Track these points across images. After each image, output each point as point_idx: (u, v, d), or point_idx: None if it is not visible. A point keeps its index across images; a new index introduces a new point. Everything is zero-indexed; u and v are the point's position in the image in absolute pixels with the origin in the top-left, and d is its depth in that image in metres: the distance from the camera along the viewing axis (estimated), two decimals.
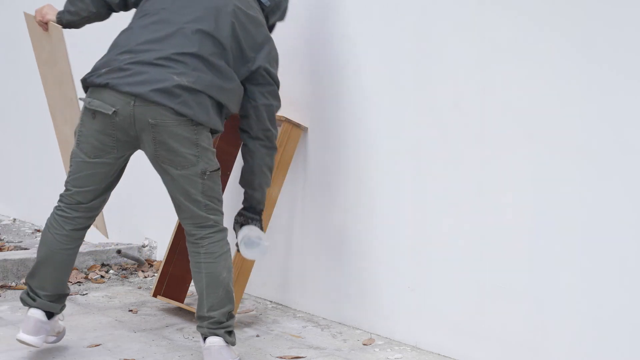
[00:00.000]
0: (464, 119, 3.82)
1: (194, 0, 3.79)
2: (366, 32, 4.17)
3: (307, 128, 4.43)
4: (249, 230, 3.95)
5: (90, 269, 5.18)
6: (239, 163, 4.74)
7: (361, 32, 4.18)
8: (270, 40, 3.92)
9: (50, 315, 3.85)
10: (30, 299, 3.85)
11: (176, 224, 4.60)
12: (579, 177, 3.48)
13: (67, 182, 3.79)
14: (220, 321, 3.72)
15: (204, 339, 3.75)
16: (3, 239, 5.69)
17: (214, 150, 3.74)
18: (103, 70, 3.66)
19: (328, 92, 4.32)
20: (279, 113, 4.45)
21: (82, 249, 5.26)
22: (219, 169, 3.73)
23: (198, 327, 3.77)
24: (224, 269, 3.72)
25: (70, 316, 4.40)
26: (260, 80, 3.87)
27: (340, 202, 4.31)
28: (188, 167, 3.65)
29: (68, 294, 3.92)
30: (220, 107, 3.74)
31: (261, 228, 4.00)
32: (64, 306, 3.92)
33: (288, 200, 4.51)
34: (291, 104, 4.45)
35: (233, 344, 3.76)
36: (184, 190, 3.69)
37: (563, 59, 3.50)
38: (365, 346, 4.07)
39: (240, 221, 3.99)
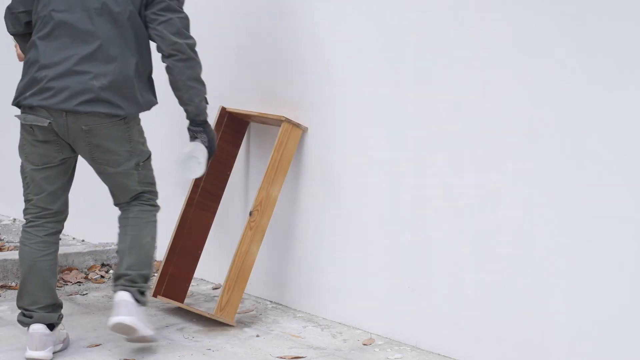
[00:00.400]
0: (464, 119, 3.82)
1: None
2: (366, 32, 4.16)
3: (307, 128, 4.43)
4: (188, 147, 4.01)
5: (90, 269, 5.18)
6: (238, 163, 4.74)
7: (361, 31, 4.18)
8: None
9: (51, 326, 3.88)
10: (27, 318, 3.89)
11: (176, 225, 4.61)
12: (579, 176, 3.48)
13: (26, 195, 3.98)
14: (134, 280, 3.85)
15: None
16: (3, 239, 5.69)
17: (145, 139, 3.94)
18: (28, 94, 3.85)
19: (328, 92, 4.32)
20: (279, 113, 4.45)
21: (82, 248, 5.26)
22: (150, 154, 3.95)
23: (114, 286, 3.89)
24: (148, 235, 3.92)
25: (70, 316, 4.40)
26: (151, 4, 3.87)
27: (340, 202, 4.31)
28: (123, 163, 3.87)
29: (61, 305, 3.96)
30: (147, 76, 3.89)
31: (207, 140, 4.01)
32: (61, 315, 3.95)
33: (288, 200, 4.51)
34: (291, 104, 4.45)
35: (144, 303, 3.86)
36: (121, 183, 3.93)
37: (563, 58, 3.50)
38: (365, 346, 4.07)
39: (190, 136, 4.04)
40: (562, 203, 3.53)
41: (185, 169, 4.03)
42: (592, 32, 3.42)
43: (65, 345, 3.97)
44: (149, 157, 3.95)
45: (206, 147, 4.01)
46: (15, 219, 6.28)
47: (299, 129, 4.40)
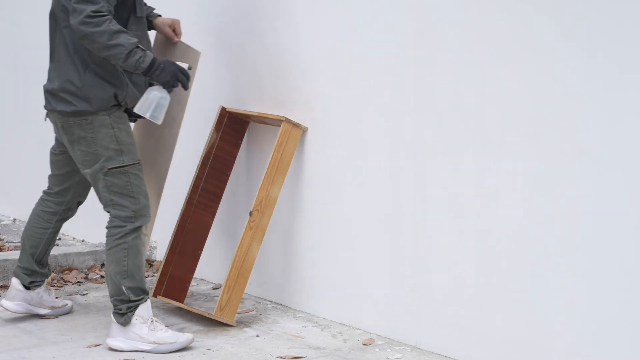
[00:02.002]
0: (464, 119, 3.82)
1: None
2: (366, 32, 4.16)
3: (307, 128, 4.43)
4: (151, 93, 4.00)
5: (90, 269, 5.18)
6: (238, 163, 4.74)
7: (361, 32, 4.18)
8: None
9: (26, 286, 4.32)
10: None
11: (176, 225, 4.60)
12: (579, 176, 3.48)
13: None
14: (114, 304, 4.05)
15: None
16: (3, 239, 5.69)
17: (120, 147, 4.02)
18: None
19: (328, 92, 4.32)
20: (279, 113, 4.45)
21: (82, 248, 5.26)
22: (124, 165, 4.01)
23: None
24: (112, 263, 4.04)
25: (70, 316, 4.41)
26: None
27: (340, 202, 4.30)
28: (90, 165, 4.03)
29: (41, 274, 4.31)
30: (94, 72, 3.98)
31: (160, 83, 3.95)
32: (35, 282, 4.32)
33: (288, 200, 4.51)
34: (291, 104, 4.45)
35: (122, 324, 4.01)
36: (93, 185, 4.09)
37: (563, 58, 3.50)
38: (365, 346, 4.07)
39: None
40: (562, 203, 3.53)
41: (151, 113, 3.99)
42: (592, 31, 3.41)
43: (55, 312, 4.35)
44: (121, 167, 4.01)
45: (166, 89, 3.98)
46: (15, 219, 6.28)
47: (299, 129, 4.40)
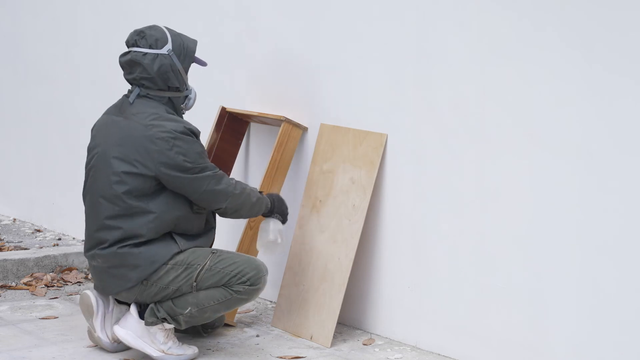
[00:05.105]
0: (464, 119, 3.82)
1: None
2: (367, 32, 4.17)
3: (307, 128, 4.43)
4: (269, 233, 4.11)
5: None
6: (238, 163, 4.74)
7: (362, 32, 4.19)
8: None
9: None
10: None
11: None
12: (578, 177, 3.48)
13: None
14: (156, 305, 3.82)
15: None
16: (3, 239, 5.69)
17: (192, 260, 3.78)
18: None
19: (328, 92, 4.32)
20: (279, 113, 4.45)
21: (82, 248, 5.25)
22: (202, 269, 3.78)
23: None
24: (209, 309, 3.83)
25: (70, 316, 4.40)
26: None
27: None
28: (169, 296, 3.83)
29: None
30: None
31: (280, 219, 4.12)
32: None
33: (288, 200, 4.51)
34: (291, 104, 4.45)
35: (147, 323, 3.81)
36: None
37: (562, 59, 3.50)
38: (365, 346, 4.07)
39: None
40: (561, 203, 3.53)
41: (269, 250, 4.13)
42: (591, 33, 3.42)
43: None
44: (200, 271, 3.79)
45: (281, 221, 4.13)
46: (15, 219, 6.28)
47: (299, 129, 4.40)
